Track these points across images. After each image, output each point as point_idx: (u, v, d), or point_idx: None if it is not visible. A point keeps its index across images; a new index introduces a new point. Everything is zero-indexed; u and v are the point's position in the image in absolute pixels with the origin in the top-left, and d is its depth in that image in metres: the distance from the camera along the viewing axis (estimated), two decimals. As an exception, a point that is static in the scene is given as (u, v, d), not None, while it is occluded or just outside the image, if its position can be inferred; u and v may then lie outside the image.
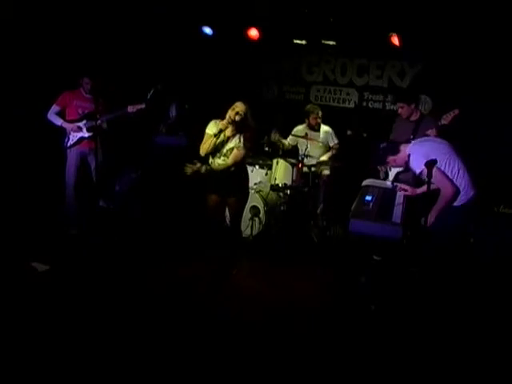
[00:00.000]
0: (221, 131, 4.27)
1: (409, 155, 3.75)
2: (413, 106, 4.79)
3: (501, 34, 5.37)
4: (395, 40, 6.03)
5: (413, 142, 3.93)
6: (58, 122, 5.28)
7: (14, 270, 4.05)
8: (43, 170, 5.69)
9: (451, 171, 3.60)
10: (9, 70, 5.45)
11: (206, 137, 4.41)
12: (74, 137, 5.31)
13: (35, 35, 5.56)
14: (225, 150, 4.40)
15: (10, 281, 3.85)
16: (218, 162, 4.42)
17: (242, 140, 4.36)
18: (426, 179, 3.40)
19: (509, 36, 5.33)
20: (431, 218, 3.60)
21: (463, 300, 3.78)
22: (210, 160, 4.47)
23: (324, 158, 6.13)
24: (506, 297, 3.94)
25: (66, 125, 5.28)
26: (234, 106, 4.32)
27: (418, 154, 3.62)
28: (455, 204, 3.59)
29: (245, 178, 4.58)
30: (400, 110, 4.86)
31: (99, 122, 5.22)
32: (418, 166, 3.57)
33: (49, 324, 3.27)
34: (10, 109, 5.50)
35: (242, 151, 4.36)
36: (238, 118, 4.25)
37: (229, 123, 4.27)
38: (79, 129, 5.28)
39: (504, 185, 4.83)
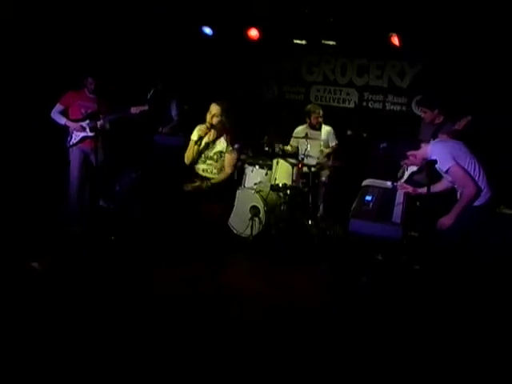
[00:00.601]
0: (201, 138, 4.23)
1: (427, 162, 3.74)
2: (436, 111, 4.79)
3: (501, 33, 5.37)
4: (395, 40, 6.03)
5: (433, 141, 3.91)
6: (62, 120, 5.30)
7: (14, 270, 4.05)
8: (44, 169, 5.69)
9: (473, 171, 3.61)
10: (11, 69, 5.46)
11: (190, 143, 4.38)
12: (76, 136, 5.32)
13: (37, 36, 5.57)
14: (211, 154, 4.35)
15: (9, 281, 3.85)
16: (203, 167, 4.37)
17: (228, 143, 4.30)
18: (449, 178, 3.39)
19: (509, 36, 5.33)
20: (450, 218, 3.60)
21: (463, 300, 3.77)
22: (199, 166, 4.41)
23: (326, 150, 6.09)
24: (506, 297, 3.93)
25: (69, 124, 5.30)
26: (210, 110, 4.28)
27: (443, 152, 3.62)
28: (476, 204, 3.60)
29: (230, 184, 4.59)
30: (423, 115, 4.91)
31: (102, 121, 5.24)
32: (445, 163, 3.56)
33: (49, 324, 3.27)
34: (12, 108, 5.50)
35: (234, 155, 4.32)
36: (215, 120, 4.22)
37: (208, 128, 4.22)
38: (82, 128, 5.29)
39: (504, 185, 4.83)
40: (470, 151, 3.74)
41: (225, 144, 4.34)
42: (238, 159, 4.65)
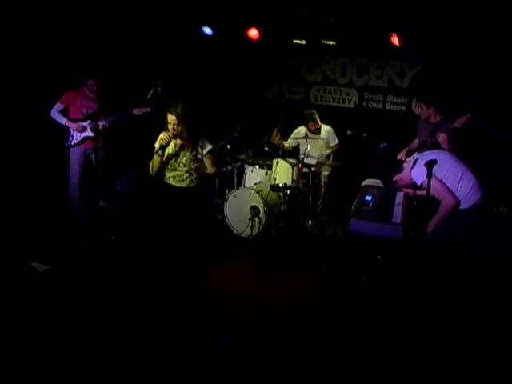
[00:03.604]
0: (163, 147, 4.10)
1: (412, 167, 3.75)
2: (432, 109, 4.82)
3: (501, 33, 5.37)
4: (395, 40, 6.03)
5: (415, 155, 3.93)
6: (62, 120, 5.29)
7: (14, 269, 4.05)
8: (44, 169, 5.69)
9: (453, 181, 3.61)
10: (11, 69, 5.46)
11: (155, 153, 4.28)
12: (78, 136, 5.32)
13: (37, 36, 5.57)
14: (182, 161, 4.30)
15: (10, 281, 3.85)
16: (172, 174, 4.25)
17: (191, 150, 4.24)
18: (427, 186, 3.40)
19: (509, 36, 5.34)
20: (431, 226, 3.61)
21: (463, 300, 3.77)
22: (166, 175, 4.32)
23: (327, 152, 6.11)
24: (506, 297, 3.93)
25: (70, 124, 5.29)
26: (168, 120, 4.18)
27: (420, 166, 3.61)
28: (462, 207, 3.60)
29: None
30: (419, 111, 4.96)
31: (104, 122, 5.24)
32: (420, 177, 3.58)
33: (49, 324, 3.27)
34: (12, 108, 5.50)
35: (211, 155, 4.31)
36: (173, 128, 4.10)
37: (170, 137, 4.14)
38: (84, 128, 5.29)
39: (503, 185, 4.83)
40: (452, 158, 3.75)
41: (188, 154, 4.24)
42: (216, 157, 4.55)
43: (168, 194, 4.32)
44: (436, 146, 4.42)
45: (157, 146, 4.16)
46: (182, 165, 4.23)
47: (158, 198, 4.41)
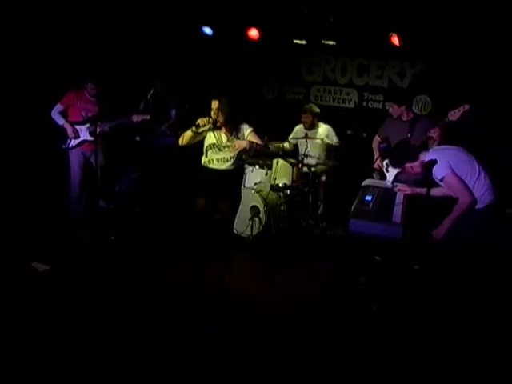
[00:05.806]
0: (197, 126, 4.32)
1: (426, 162, 3.74)
2: (403, 107, 4.92)
3: (501, 33, 5.37)
4: (395, 40, 6.03)
5: (431, 149, 3.92)
6: (60, 121, 5.28)
7: (14, 269, 4.05)
8: (44, 170, 5.70)
9: (470, 179, 3.59)
10: (11, 71, 5.46)
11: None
12: (75, 139, 5.31)
13: (37, 37, 5.57)
14: (224, 143, 4.44)
15: (10, 281, 3.85)
16: (218, 156, 4.41)
17: (229, 133, 4.43)
18: (443, 185, 3.39)
19: (509, 36, 5.33)
20: (443, 230, 3.60)
21: (465, 300, 3.77)
22: (205, 158, 4.46)
23: (328, 141, 6.05)
24: (508, 298, 3.93)
25: (67, 126, 5.28)
26: (211, 106, 4.43)
27: (441, 159, 3.59)
28: (476, 207, 3.58)
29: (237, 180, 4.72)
30: (390, 110, 5.08)
31: (102, 127, 5.23)
32: (441, 171, 3.57)
33: (49, 324, 3.27)
34: (12, 109, 5.50)
35: (254, 134, 4.51)
36: (215, 115, 4.32)
37: (208, 121, 4.34)
38: (78, 134, 5.29)
39: (506, 185, 4.81)
40: (469, 156, 3.71)
41: (227, 136, 4.40)
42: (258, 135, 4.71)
43: (207, 177, 4.53)
44: (426, 143, 4.41)
45: (197, 122, 4.36)
46: (226, 147, 4.37)
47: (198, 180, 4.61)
